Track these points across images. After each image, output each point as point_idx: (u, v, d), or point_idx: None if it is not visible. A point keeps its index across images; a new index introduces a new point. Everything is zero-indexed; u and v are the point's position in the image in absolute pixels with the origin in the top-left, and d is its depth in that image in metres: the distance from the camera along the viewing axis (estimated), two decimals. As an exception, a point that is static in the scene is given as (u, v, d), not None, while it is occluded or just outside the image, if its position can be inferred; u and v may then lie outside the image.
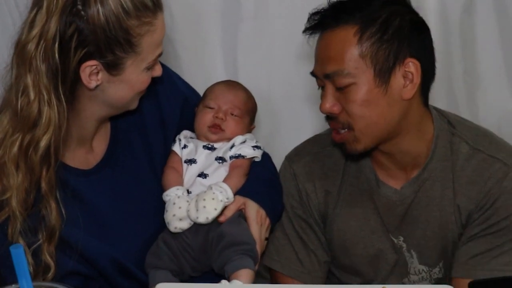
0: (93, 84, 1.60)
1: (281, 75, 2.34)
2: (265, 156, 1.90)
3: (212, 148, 1.83)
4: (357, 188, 1.87)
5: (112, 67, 1.60)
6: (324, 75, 1.73)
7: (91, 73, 1.59)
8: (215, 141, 1.84)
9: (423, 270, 1.84)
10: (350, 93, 1.70)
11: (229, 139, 1.83)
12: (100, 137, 1.78)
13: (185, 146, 1.83)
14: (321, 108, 1.75)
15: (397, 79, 1.70)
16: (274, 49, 2.32)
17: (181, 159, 1.83)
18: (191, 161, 1.81)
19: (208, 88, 1.93)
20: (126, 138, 1.81)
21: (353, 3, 1.73)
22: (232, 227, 1.72)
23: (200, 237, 1.73)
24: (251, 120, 1.92)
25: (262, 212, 1.78)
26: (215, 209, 1.71)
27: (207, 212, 1.70)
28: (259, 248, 1.74)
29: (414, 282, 1.86)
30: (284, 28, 2.27)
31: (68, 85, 1.58)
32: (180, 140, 1.85)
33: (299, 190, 1.91)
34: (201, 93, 2.00)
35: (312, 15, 1.77)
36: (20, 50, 1.57)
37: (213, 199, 1.72)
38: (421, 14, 1.79)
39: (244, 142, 1.83)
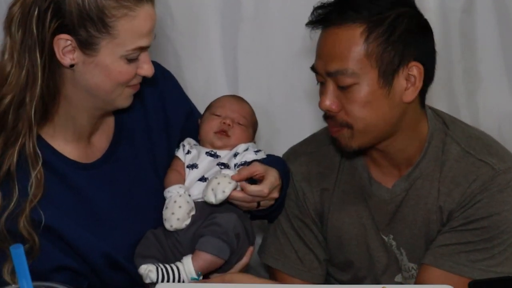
0: (67, 61, 1.60)
1: (281, 75, 2.34)
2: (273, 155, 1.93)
3: (215, 156, 1.85)
4: (351, 186, 1.87)
5: (86, 46, 1.58)
6: (327, 73, 1.70)
7: (65, 48, 1.59)
8: (220, 147, 1.86)
9: (412, 267, 1.84)
10: (353, 93, 1.68)
11: (233, 147, 1.85)
12: (103, 133, 1.79)
13: (188, 152, 1.86)
14: (320, 105, 1.73)
15: (400, 82, 1.70)
16: (274, 49, 2.31)
17: (184, 164, 1.85)
18: (193, 166, 1.83)
19: (214, 100, 1.96)
20: (129, 135, 1.82)
21: (360, 1, 1.70)
22: (222, 213, 1.76)
23: (190, 234, 1.76)
24: (253, 134, 1.95)
25: (279, 185, 1.78)
26: (229, 182, 1.72)
27: (223, 186, 1.71)
28: (246, 205, 1.76)
29: (405, 279, 1.86)
30: (284, 28, 2.27)
31: (45, 58, 1.59)
32: (184, 146, 1.88)
33: (295, 190, 1.91)
34: (201, 95, 2.00)
35: (317, 8, 1.73)
36: (7, 13, 1.60)
37: (224, 176, 1.73)
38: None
39: (247, 149, 1.85)
